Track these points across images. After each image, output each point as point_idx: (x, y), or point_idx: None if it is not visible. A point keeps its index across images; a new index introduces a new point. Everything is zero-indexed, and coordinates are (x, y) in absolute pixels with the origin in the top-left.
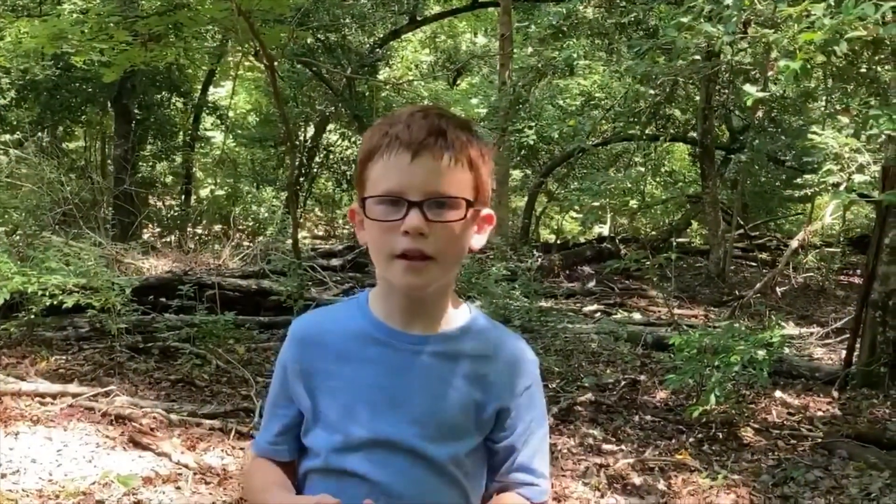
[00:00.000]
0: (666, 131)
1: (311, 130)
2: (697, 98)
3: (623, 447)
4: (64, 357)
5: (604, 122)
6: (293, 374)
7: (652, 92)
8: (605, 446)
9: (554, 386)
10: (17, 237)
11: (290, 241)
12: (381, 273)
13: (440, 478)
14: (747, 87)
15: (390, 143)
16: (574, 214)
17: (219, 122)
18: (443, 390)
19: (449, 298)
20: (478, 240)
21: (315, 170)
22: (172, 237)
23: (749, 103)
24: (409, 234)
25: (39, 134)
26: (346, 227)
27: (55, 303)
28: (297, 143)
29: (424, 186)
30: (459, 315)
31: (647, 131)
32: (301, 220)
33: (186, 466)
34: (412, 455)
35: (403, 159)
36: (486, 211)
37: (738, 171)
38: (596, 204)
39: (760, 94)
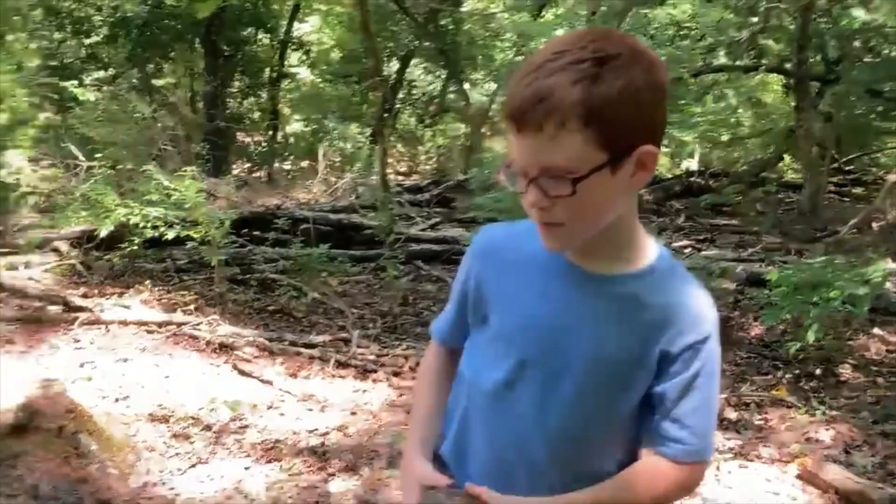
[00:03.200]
0: (759, 62)
1: (394, 65)
2: (792, 27)
3: None
4: (165, 288)
5: (694, 52)
6: (472, 282)
7: (754, 20)
8: None
9: None
10: (115, 171)
11: (375, 177)
12: None
13: (596, 420)
14: (855, 11)
15: (504, 115)
16: (662, 149)
17: (304, 57)
18: (611, 335)
19: (624, 239)
20: (636, 182)
21: (398, 105)
22: (261, 172)
23: (856, 27)
24: (533, 208)
25: (131, 71)
26: (430, 162)
27: (157, 235)
28: (382, 77)
29: (533, 160)
30: (643, 255)
31: (738, 62)
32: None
33: (289, 393)
34: (572, 391)
35: (513, 131)
36: (642, 149)
37: (833, 103)
38: (687, 138)
39: (867, 17)
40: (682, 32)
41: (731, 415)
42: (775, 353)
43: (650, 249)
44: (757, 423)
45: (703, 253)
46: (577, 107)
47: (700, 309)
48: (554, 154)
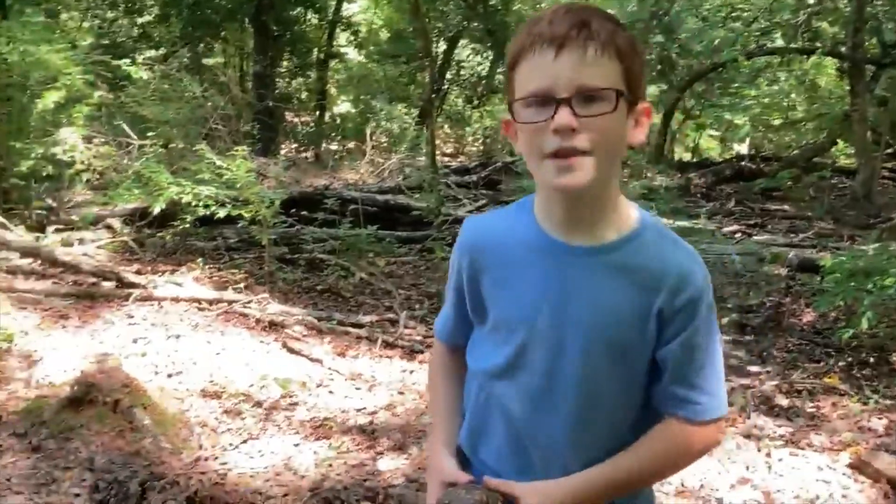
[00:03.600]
0: (813, 45)
1: (442, 46)
2: (847, 10)
3: (769, 369)
4: (216, 266)
5: (746, 34)
6: (465, 277)
7: (809, 1)
8: (751, 368)
9: None
10: (165, 150)
11: (422, 158)
12: (536, 177)
13: (606, 391)
14: None
15: (533, 43)
16: (712, 132)
17: (352, 38)
18: (608, 304)
19: (612, 202)
20: (636, 135)
21: (446, 86)
22: (308, 153)
23: None
24: (560, 133)
25: (181, 50)
26: (476, 144)
27: (208, 213)
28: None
29: (571, 81)
30: (626, 221)
31: (792, 45)
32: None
33: (338, 372)
34: (578, 366)
35: (547, 56)
36: (642, 104)
37: (888, 87)
38: (739, 122)
39: None
40: (734, 14)
41: (783, 402)
42: (827, 340)
43: (632, 214)
44: (809, 410)
45: (754, 238)
46: (613, 38)
47: (690, 267)
48: (594, 75)
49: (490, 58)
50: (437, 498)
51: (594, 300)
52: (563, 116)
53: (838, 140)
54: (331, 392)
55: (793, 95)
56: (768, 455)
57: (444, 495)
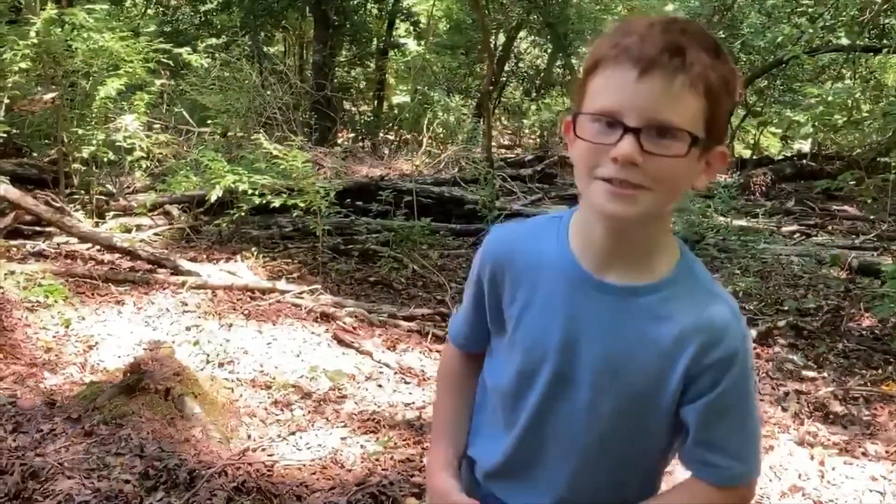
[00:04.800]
0: (880, 42)
1: (501, 38)
2: None
3: (825, 374)
4: (270, 255)
5: (811, 31)
6: (485, 287)
7: None
8: (806, 373)
9: (752, 308)
10: (224, 138)
11: (478, 150)
12: (583, 194)
13: (613, 436)
14: None
15: (618, 56)
16: (773, 130)
17: (412, 28)
18: (627, 351)
19: (656, 241)
20: (704, 179)
21: (505, 78)
22: (365, 143)
23: None
24: (619, 162)
25: (242, 38)
26: (533, 137)
27: (263, 202)
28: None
29: (646, 111)
30: (666, 263)
31: (858, 42)
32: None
33: (387, 366)
34: (585, 404)
35: (629, 76)
36: (719, 148)
37: None
38: (801, 119)
39: None
40: (798, 10)
41: (838, 408)
42: (886, 346)
43: (672, 256)
44: (864, 418)
45: (814, 239)
46: (706, 73)
47: (725, 322)
48: (674, 110)
49: (549, 50)
50: None
51: (612, 344)
52: (627, 147)
53: None
54: (379, 386)
55: (857, 94)
56: (821, 463)
57: None
